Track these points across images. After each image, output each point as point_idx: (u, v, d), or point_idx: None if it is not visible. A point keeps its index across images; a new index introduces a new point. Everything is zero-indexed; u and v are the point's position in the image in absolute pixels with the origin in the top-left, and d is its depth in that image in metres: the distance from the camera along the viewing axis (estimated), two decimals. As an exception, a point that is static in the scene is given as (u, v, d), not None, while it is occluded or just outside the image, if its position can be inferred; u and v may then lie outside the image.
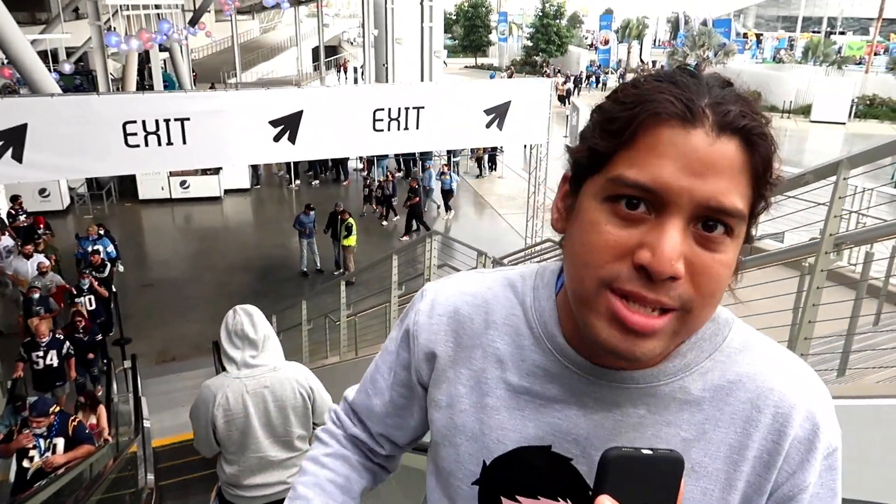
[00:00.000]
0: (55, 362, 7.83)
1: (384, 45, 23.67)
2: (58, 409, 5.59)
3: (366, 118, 9.14)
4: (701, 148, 0.64)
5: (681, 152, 0.64)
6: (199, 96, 8.65)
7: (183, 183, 17.78)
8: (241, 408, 2.78)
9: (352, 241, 12.88)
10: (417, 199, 15.02)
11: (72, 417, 5.64)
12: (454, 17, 53.90)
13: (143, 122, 8.00)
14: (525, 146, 22.57)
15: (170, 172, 17.87)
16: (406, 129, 9.38)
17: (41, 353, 7.77)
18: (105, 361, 9.11)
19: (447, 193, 16.79)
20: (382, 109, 9.20)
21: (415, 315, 0.91)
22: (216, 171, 18.37)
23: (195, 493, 6.67)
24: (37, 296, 9.12)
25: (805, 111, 32.68)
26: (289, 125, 8.72)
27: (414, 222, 15.07)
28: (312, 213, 12.96)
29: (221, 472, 2.97)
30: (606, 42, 48.63)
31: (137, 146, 8.08)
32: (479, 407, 0.84)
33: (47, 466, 5.24)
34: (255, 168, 19.62)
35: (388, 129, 9.29)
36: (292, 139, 8.77)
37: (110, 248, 12.01)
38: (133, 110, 7.95)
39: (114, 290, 10.71)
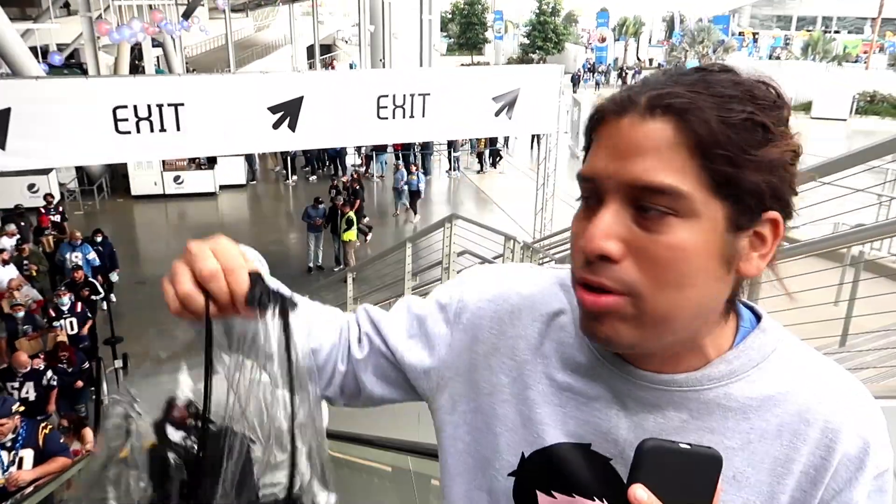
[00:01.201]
0: (31, 395, 6.72)
1: (381, 40, 23.31)
2: (22, 409, 4.65)
3: (369, 105, 8.71)
4: (626, 132, 0.66)
5: (611, 141, 0.67)
6: (193, 80, 8.20)
7: (177, 178, 17.31)
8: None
9: (352, 235, 12.50)
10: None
11: (42, 424, 4.71)
12: (450, 16, 53.50)
13: (135, 106, 7.56)
14: (531, 139, 22.30)
15: (163, 167, 17.45)
16: (411, 116, 8.96)
17: (16, 385, 6.68)
18: (93, 389, 8.05)
19: (414, 195, 15.93)
20: (387, 96, 8.77)
21: (461, 293, 0.89)
22: (211, 166, 17.96)
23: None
24: (21, 314, 8.19)
25: (805, 108, 32.41)
26: (288, 111, 8.29)
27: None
28: (322, 206, 12.74)
29: None
30: (603, 40, 48.33)
31: (128, 133, 7.64)
32: (520, 399, 0.83)
33: (11, 485, 4.30)
34: (250, 163, 19.21)
35: (393, 117, 8.86)
36: (292, 126, 8.34)
37: (91, 256, 10.66)
38: (124, 94, 7.51)
39: (102, 305, 9.65)
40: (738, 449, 0.73)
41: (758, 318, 0.79)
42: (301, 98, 8.30)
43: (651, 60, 50.75)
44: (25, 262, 10.07)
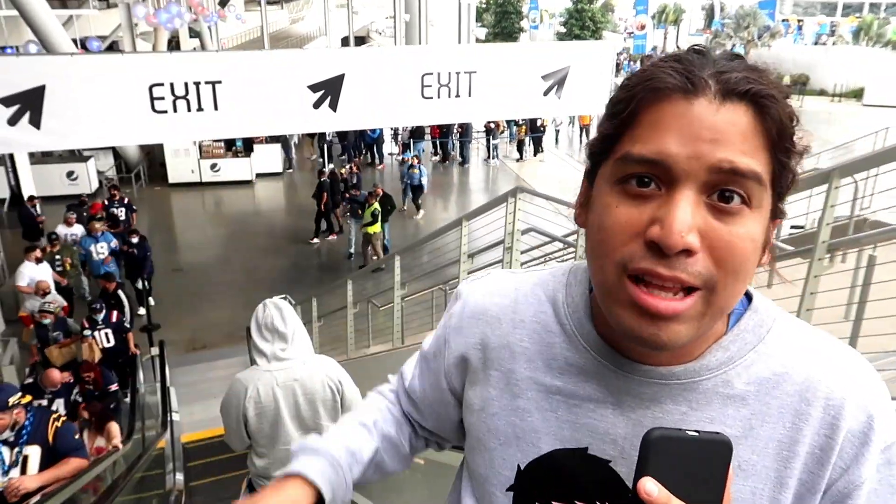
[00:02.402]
0: (62, 411, 6.10)
1: (416, 30, 22.90)
2: (27, 399, 3.74)
3: (414, 83, 8.28)
4: (705, 116, 0.63)
5: (685, 122, 0.63)
6: (231, 56, 7.86)
7: (213, 166, 17.19)
8: (272, 400, 2.82)
9: (377, 227, 12.03)
10: (352, 197, 13.42)
11: (53, 416, 3.76)
12: (485, 5, 52.89)
13: (171, 84, 7.24)
14: (579, 130, 21.70)
15: (200, 155, 17.33)
16: (457, 96, 8.50)
17: (44, 403, 6.07)
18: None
19: (416, 189, 15.09)
20: (431, 74, 8.33)
21: (447, 319, 0.92)
22: (247, 153, 17.81)
23: (227, 495, 6.00)
24: (47, 321, 7.57)
25: (857, 94, 31.17)
26: (329, 90, 7.90)
27: (323, 222, 13.75)
28: (362, 192, 12.69)
29: (252, 465, 2.99)
30: (643, 27, 47.36)
31: (165, 112, 7.32)
32: (510, 409, 0.82)
33: (11, 494, 3.36)
34: (287, 151, 19.03)
35: (438, 97, 8.41)
36: (333, 106, 7.96)
37: (113, 244, 10.10)
38: (160, 71, 7.20)
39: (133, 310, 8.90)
40: (741, 437, 0.71)
41: (748, 297, 0.77)
42: (342, 76, 7.91)
43: (691, 49, 49.60)
44: (58, 257, 9.72)
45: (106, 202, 12.32)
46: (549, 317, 0.81)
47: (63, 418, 3.74)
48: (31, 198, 12.50)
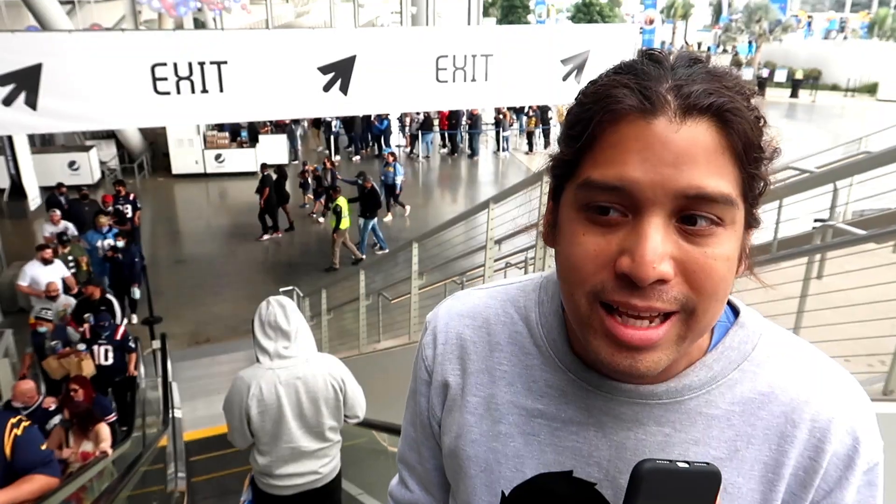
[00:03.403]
0: None
1: (424, 23, 22.49)
2: None
3: (428, 66, 7.91)
4: (666, 136, 0.59)
5: (645, 145, 0.60)
6: (238, 35, 7.49)
7: (218, 157, 16.86)
8: (275, 398, 2.80)
9: (343, 224, 11.36)
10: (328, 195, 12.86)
11: (12, 421, 2.88)
12: (491, 0, 52.54)
13: (175, 64, 6.89)
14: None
15: (204, 145, 17.00)
16: (473, 80, 8.14)
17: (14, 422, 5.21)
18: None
19: (390, 189, 13.85)
20: (446, 56, 7.96)
21: (421, 352, 0.87)
22: (252, 144, 17.48)
23: (231, 494, 5.69)
24: (44, 329, 6.91)
25: (870, 89, 30.68)
26: (340, 72, 7.55)
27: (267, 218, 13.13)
28: (356, 181, 12.37)
29: (254, 463, 2.99)
30: (651, 22, 46.77)
31: (168, 93, 6.97)
32: (491, 436, 0.79)
33: None
34: (292, 142, 18.69)
35: (454, 80, 8.05)
36: (344, 89, 7.60)
37: (120, 243, 9.25)
38: (163, 50, 6.85)
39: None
40: (726, 459, 0.70)
41: (735, 312, 0.75)
42: (353, 57, 7.55)
43: (699, 44, 49.47)
44: (70, 257, 8.85)
45: (112, 198, 11.51)
46: (524, 338, 0.79)
47: (25, 423, 2.92)
48: (60, 185, 11.92)
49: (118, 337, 6.85)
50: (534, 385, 0.77)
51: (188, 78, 7.01)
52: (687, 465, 0.58)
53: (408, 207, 14.25)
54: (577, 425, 0.74)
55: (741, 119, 0.60)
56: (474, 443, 0.80)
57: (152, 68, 6.86)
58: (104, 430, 4.92)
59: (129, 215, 11.20)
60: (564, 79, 8.67)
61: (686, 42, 47.17)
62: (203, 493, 6.24)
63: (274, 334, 2.85)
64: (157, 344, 8.04)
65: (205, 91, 7.13)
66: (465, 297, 0.88)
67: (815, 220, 7.11)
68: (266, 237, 13.03)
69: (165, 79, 6.94)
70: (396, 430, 4.20)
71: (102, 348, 6.67)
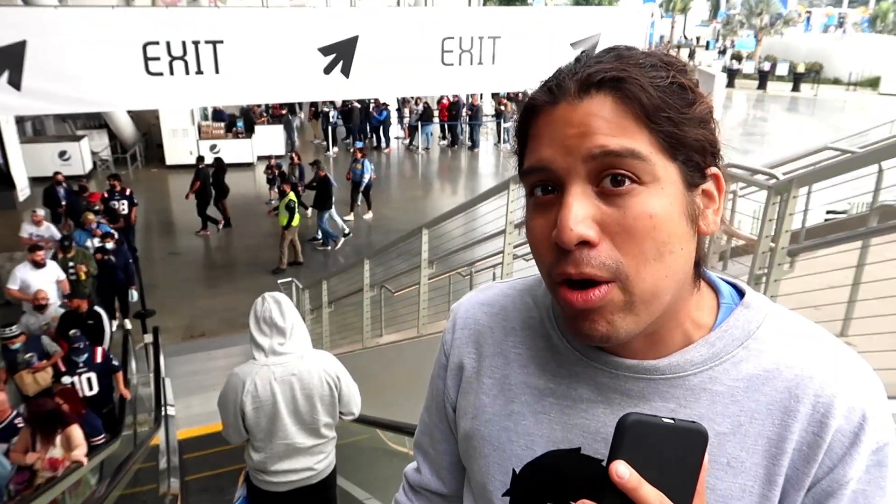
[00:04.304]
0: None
1: (424, 3, 22.11)
2: None
3: (433, 48, 7.57)
4: (567, 115, 0.65)
5: (554, 127, 0.66)
6: (234, 13, 7.11)
7: (213, 147, 16.46)
8: (269, 395, 2.79)
9: (295, 220, 10.70)
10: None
11: None
12: (489, -6, 52.21)
13: (168, 43, 6.53)
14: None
15: (199, 136, 16.62)
16: (480, 63, 7.80)
17: None
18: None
19: (355, 187, 13.11)
20: (452, 38, 7.62)
21: (443, 337, 0.92)
22: (249, 135, 17.11)
23: (226, 492, 5.39)
24: (17, 346, 6.04)
25: (872, 83, 30.45)
26: (342, 53, 7.20)
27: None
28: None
29: (249, 459, 2.98)
30: (650, 16, 46.57)
31: (160, 74, 6.61)
32: (504, 415, 0.81)
33: None
34: (289, 134, 18.31)
35: (460, 63, 7.71)
36: (346, 71, 7.25)
37: (109, 244, 8.63)
38: (155, 28, 6.49)
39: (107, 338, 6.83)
40: (730, 434, 0.70)
41: (741, 294, 0.77)
42: (356, 38, 7.20)
43: (698, 39, 49.19)
44: (71, 264, 7.94)
45: (106, 194, 10.77)
46: (538, 323, 0.83)
47: None
48: (57, 174, 11.14)
49: (98, 360, 6.02)
50: (546, 366, 0.79)
51: (182, 58, 6.65)
52: (672, 421, 0.58)
53: (370, 214, 13.43)
54: (587, 403, 0.75)
55: (637, 86, 0.63)
56: (488, 423, 0.82)
57: (144, 47, 6.49)
58: (76, 434, 4.40)
59: (125, 212, 10.51)
60: (574, 63, 8.36)
61: (685, 36, 46.93)
62: (197, 491, 5.94)
63: (269, 330, 2.84)
64: (149, 338, 7.69)
65: (200, 72, 6.77)
66: (487, 289, 0.93)
67: (828, 213, 6.79)
68: (205, 232, 12.52)
69: (158, 58, 6.58)
70: (397, 427, 4.08)
71: (84, 377, 5.85)
